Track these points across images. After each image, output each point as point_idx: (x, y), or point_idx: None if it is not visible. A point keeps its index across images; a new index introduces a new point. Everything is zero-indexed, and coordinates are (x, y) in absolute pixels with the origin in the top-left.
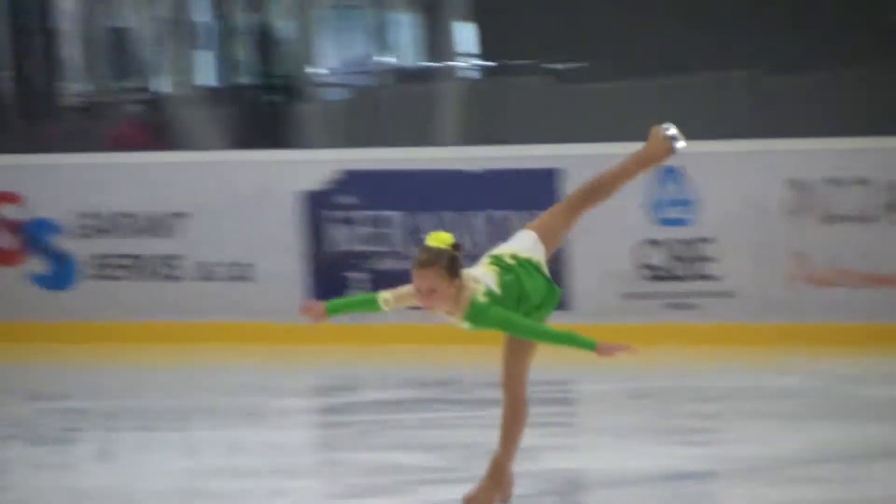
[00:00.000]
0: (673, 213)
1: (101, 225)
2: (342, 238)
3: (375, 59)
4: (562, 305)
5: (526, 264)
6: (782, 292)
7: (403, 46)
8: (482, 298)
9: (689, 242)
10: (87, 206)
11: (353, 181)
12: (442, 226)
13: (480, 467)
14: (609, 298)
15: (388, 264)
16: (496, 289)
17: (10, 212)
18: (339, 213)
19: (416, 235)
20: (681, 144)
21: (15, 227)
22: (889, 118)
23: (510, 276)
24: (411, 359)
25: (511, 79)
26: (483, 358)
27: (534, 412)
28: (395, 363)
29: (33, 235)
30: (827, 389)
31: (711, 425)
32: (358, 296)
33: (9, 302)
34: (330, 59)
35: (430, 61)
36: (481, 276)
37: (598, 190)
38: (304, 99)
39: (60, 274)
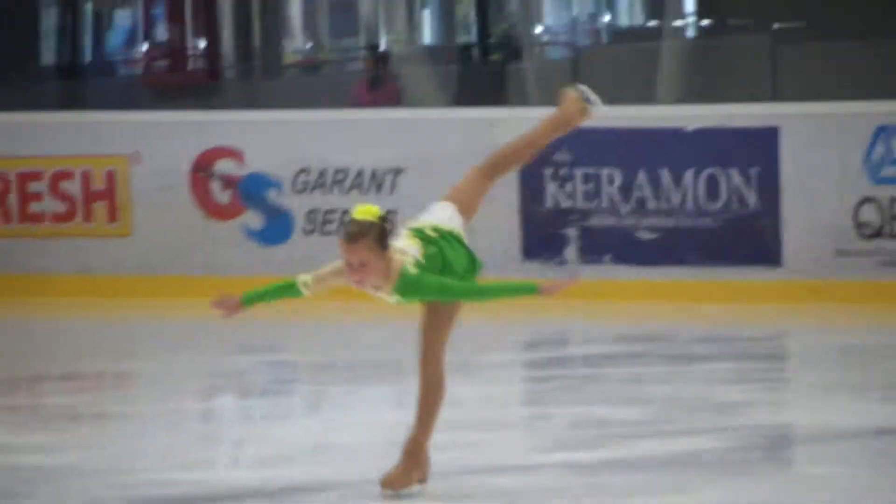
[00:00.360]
0: (890, 172)
1: (318, 181)
2: (558, 195)
3: (596, 18)
4: (773, 261)
5: (448, 236)
6: None
7: (623, 6)
8: (413, 269)
9: None
10: (304, 162)
11: (570, 139)
12: (659, 185)
13: (685, 421)
14: (822, 255)
15: (601, 221)
16: (422, 260)
17: (229, 167)
18: (556, 171)
19: (630, 193)
20: (597, 107)
21: (233, 182)
22: None
23: (433, 249)
24: (620, 314)
25: (729, 37)
26: (693, 314)
27: (744, 367)
28: (604, 318)
29: (250, 190)
30: None
31: None
32: (276, 283)
33: (224, 256)
34: (551, 18)
35: (649, 20)
36: (406, 248)
37: (513, 155)
38: (524, 58)
39: (276, 229)
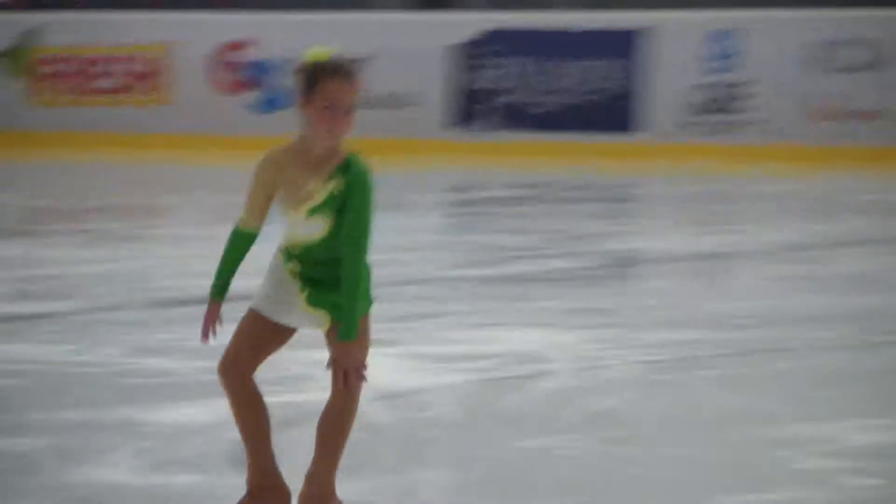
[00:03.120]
0: (721, 65)
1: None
2: (484, 76)
3: None
4: (632, 128)
5: None
6: (799, 124)
7: None
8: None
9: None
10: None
11: (490, 37)
12: (554, 70)
13: (556, 248)
14: (667, 125)
15: (514, 97)
16: None
17: (239, 55)
18: (477, 61)
19: (535, 78)
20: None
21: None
22: None
23: None
24: (515, 167)
25: None
26: (568, 169)
27: (606, 207)
28: (502, 170)
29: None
30: (824, 194)
31: (736, 218)
32: (225, 250)
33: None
34: None
35: None
36: None
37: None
38: None
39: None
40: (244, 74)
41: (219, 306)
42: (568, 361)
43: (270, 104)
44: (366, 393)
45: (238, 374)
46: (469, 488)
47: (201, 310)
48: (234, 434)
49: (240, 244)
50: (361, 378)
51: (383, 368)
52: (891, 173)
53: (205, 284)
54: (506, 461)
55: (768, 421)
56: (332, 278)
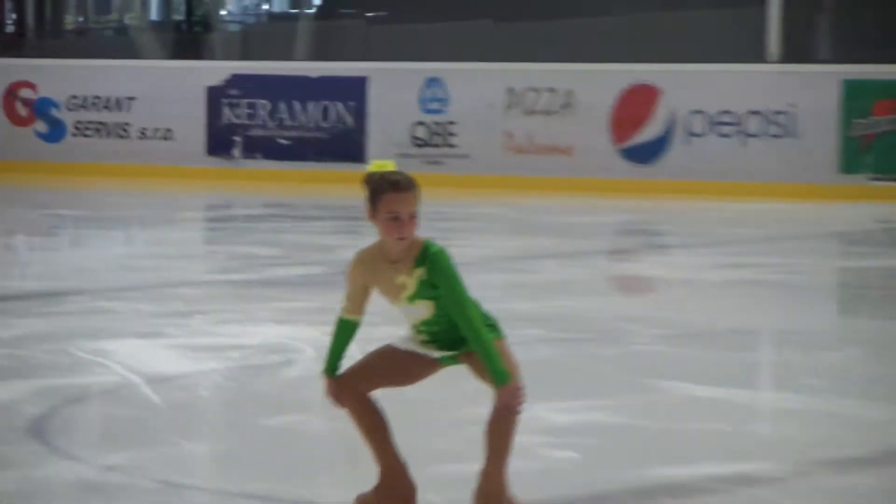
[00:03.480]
0: (434, 105)
1: (83, 103)
2: (230, 115)
3: (259, 5)
4: (359, 159)
5: None
6: (501, 157)
7: None
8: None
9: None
10: (76, 91)
11: (239, 80)
12: (293, 110)
13: (300, 257)
14: (389, 156)
15: (256, 132)
16: None
17: (28, 93)
18: (229, 101)
19: (275, 115)
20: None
21: (29, 103)
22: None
23: None
24: (267, 190)
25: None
26: (310, 191)
27: (341, 224)
28: (256, 193)
29: (41, 108)
30: (521, 217)
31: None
32: (334, 337)
33: (22, 148)
34: (232, 5)
35: (292, 8)
36: None
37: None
38: (214, 30)
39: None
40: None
41: (333, 381)
42: (312, 351)
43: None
44: (138, 378)
45: (351, 393)
46: (227, 458)
47: None
48: (32, 409)
49: (345, 331)
50: (521, 400)
51: (154, 358)
52: (575, 200)
53: None
54: (257, 435)
55: (477, 403)
56: (456, 331)
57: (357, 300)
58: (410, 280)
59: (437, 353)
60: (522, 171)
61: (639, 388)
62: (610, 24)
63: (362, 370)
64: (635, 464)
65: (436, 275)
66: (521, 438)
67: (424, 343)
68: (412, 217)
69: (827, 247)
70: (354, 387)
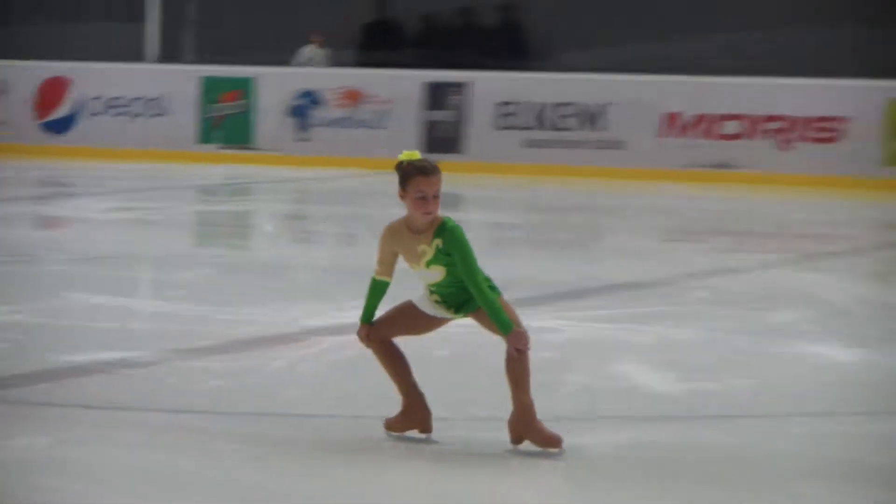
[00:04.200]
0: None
1: None
2: None
3: None
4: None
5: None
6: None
7: None
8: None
9: None
10: None
11: None
12: None
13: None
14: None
15: None
16: None
17: None
18: None
19: None
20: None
21: None
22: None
23: None
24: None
25: None
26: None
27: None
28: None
29: None
30: None
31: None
32: (369, 294)
33: None
34: None
35: None
36: None
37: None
38: None
39: None
40: None
41: (366, 327)
42: None
43: None
44: None
45: (377, 337)
46: None
47: None
48: None
49: (377, 289)
50: (527, 342)
51: None
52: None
53: None
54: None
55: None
56: (461, 294)
57: (386, 264)
58: (429, 248)
59: (447, 315)
60: None
61: (45, 296)
62: None
63: (387, 321)
64: (49, 352)
65: (451, 245)
66: None
67: (436, 303)
68: (436, 197)
69: (188, 196)
70: (380, 332)
